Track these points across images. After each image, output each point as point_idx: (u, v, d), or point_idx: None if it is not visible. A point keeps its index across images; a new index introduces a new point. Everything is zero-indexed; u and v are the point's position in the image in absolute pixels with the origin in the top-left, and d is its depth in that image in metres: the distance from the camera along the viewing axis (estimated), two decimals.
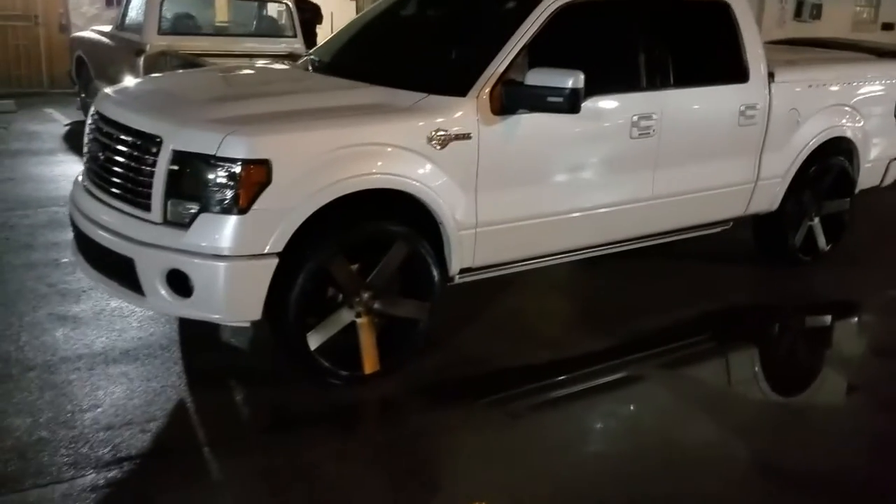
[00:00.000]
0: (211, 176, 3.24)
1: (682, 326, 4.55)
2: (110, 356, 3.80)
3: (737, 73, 4.76)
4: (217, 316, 3.38)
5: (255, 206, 3.23)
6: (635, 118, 4.28)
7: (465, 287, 4.06)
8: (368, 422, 3.41)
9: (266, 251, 3.27)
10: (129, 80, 4.39)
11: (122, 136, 3.51)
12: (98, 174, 3.67)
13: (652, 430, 3.51)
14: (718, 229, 5.09)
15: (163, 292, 3.34)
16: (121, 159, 3.51)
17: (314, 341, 3.51)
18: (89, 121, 3.88)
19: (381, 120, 3.56)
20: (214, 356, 3.94)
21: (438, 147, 3.62)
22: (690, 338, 4.46)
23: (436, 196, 3.63)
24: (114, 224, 3.46)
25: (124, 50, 7.96)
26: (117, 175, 3.52)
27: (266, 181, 3.24)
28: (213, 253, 3.23)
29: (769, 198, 5.16)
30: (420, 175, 3.58)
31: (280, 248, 3.29)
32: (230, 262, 3.24)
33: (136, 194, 3.41)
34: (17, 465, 2.97)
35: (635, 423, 3.62)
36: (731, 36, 4.75)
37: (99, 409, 3.36)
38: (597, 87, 4.04)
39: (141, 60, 7.54)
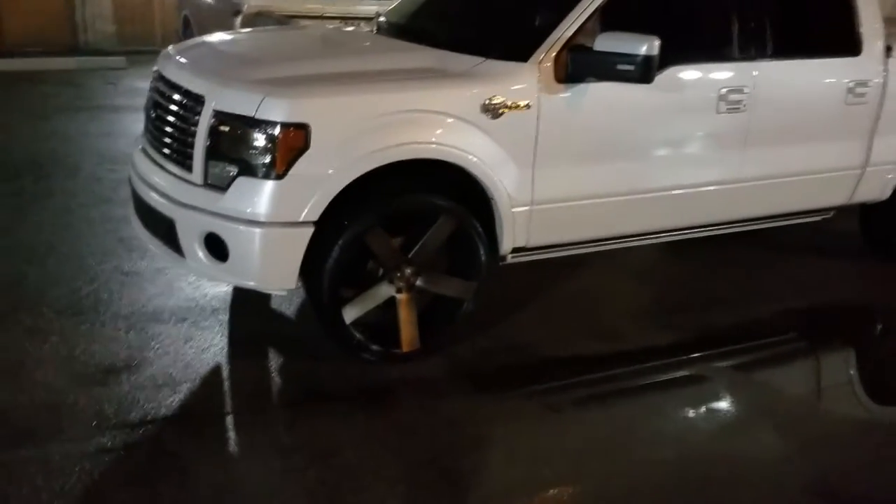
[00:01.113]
0: (249, 138, 3.13)
1: (762, 324, 4.15)
2: (161, 315, 3.81)
3: (847, 45, 4.25)
4: (251, 283, 3.30)
5: (291, 172, 3.11)
6: (724, 91, 3.89)
7: (521, 267, 3.83)
8: (398, 404, 3.25)
9: (301, 219, 3.15)
10: (192, 40, 4.33)
11: (173, 95, 3.46)
12: (152, 133, 3.64)
13: (702, 440, 3.21)
14: (817, 218, 4.62)
15: (201, 255, 3.28)
16: (170, 118, 3.46)
17: (350, 314, 3.38)
18: (151, 79, 3.87)
19: (430, 85, 3.35)
20: (261, 323, 3.88)
21: (493, 117, 3.38)
22: (770, 337, 4.06)
23: (487, 169, 3.40)
24: (160, 184, 3.43)
25: (223, 10, 8.03)
26: (166, 134, 3.48)
27: (304, 146, 3.11)
28: (248, 218, 3.14)
29: (880, 186, 4.63)
30: (471, 146, 3.35)
31: (315, 217, 3.16)
32: (265, 229, 3.14)
33: (181, 154, 3.36)
34: (43, 419, 3.00)
35: (685, 429, 3.31)
36: (843, 2, 4.23)
37: (136, 368, 3.37)
38: (679, 55, 3.71)
39: (238, 20, 7.58)
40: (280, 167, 3.11)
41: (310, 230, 3.18)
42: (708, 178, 4.05)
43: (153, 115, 3.62)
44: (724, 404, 3.48)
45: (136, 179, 3.63)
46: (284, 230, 3.16)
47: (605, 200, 3.79)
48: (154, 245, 3.55)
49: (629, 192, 3.84)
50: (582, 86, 3.53)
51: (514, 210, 3.55)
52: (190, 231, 3.29)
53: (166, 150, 3.47)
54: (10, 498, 2.61)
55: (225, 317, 3.85)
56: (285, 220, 3.15)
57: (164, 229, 3.41)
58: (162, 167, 3.47)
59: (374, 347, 3.46)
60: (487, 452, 3.06)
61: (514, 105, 3.41)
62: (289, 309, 4.02)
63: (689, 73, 3.83)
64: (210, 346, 3.57)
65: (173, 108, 3.45)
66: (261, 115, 3.11)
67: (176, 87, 3.47)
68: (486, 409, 3.26)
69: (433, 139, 3.28)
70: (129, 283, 4.12)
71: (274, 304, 4.04)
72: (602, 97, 3.59)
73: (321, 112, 3.14)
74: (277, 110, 3.10)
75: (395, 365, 3.49)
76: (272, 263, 3.22)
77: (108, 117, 7.61)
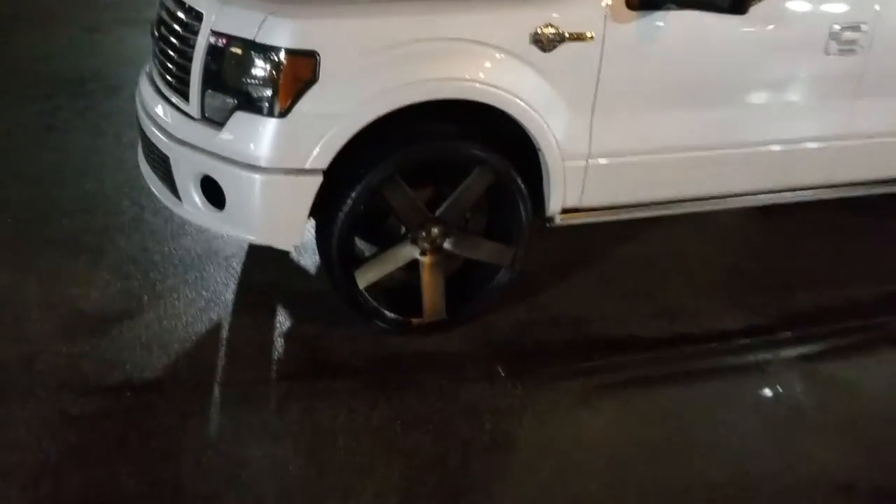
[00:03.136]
0: (248, 66, 2.65)
1: (852, 308, 3.50)
2: (170, 261, 3.42)
3: None
4: (251, 236, 2.87)
5: (296, 109, 2.62)
6: (836, 28, 3.17)
7: (572, 228, 3.28)
8: (412, 385, 2.79)
9: (308, 166, 2.67)
10: None
11: (177, 12, 2.99)
12: (156, 56, 3.20)
13: (751, 444, 2.68)
14: None
15: (196, 199, 2.86)
16: (172, 39, 3.00)
17: (365, 277, 2.93)
18: None
19: (466, 7, 2.76)
20: (277, 275, 3.44)
21: (545, 49, 2.79)
22: (858, 324, 3.42)
23: (535, 114, 2.83)
24: (159, 116, 2.99)
25: None
26: (168, 58, 3.02)
27: (311, 78, 2.60)
28: (245, 161, 2.69)
29: None
30: (516, 85, 2.78)
31: (324, 165, 2.68)
32: (265, 175, 2.68)
33: (180, 82, 2.90)
34: (13, 375, 2.68)
35: (736, 431, 2.75)
36: None
37: (129, 322, 3.01)
38: None
39: None
40: (283, 103, 2.62)
41: (317, 179, 2.70)
42: (808, 133, 3.36)
43: (157, 34, 3.16)
44: (786, 403, 2.90)
45: (139, 109, 3.21)
46: (287, 178, 2.69)
47: (679, 155, 3.17)
48: (154, 186, 3.14)
49: (710, 147, 3.21)
50: (659, 14, 2.88)
51: (566, 163, 2.98)
52: (185, 171, 2.86)
53: (168, 77, 3.02)
54: None
55: (238, 266, 3.45)
56: (288, 167, 2.68)
57: (162, 168, 3.00)
58: (163, 96, 3.03)
59: (391, 315, 3.00)
60: (507, 455, 2.60)
61: (572, 35, 2.81)
62: (311, 260, 3.58)
63: (794, 4, 3.12)
64: (214, 302, 3.18)
65: (175, 26, 2.97)
66: (262, 39, 2.61)
67: (179, 2, 2.99)
68: (514, 398, 2.78)
69: (468, 75, 2.72)
70: (144, 221, 3.74)
71: (294, 254, 3.62)
72: (683, 29, 2.94)
73: (332, 36, 2.62)
74: (281, 33, 2.59)
75: (415, 336, 3.04)
76: (273, 215, 2.78)
77: None
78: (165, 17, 3.09)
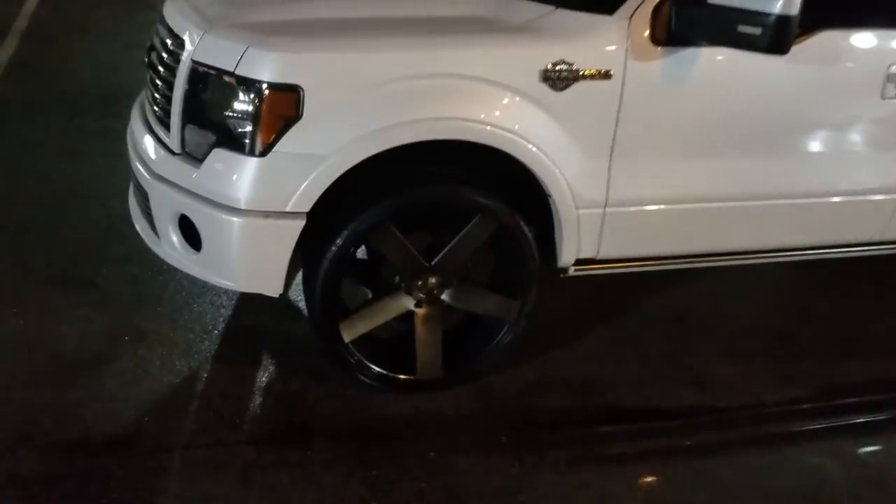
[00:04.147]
0: (228, 99, 2.44)
1: None
2: (157, 299, 3.22)
3: None
4: (228, 282, 2.64)
5: (277, 148, 2.40)
6: (894, 69, 2.81)
7: (589, 279, 2.97)
8: (396, 455, 2.51)
9: (289, 209, 2.44)
10: None
11: (165, 38, 2.80)
12: (148, 84, 3.02)
13: None
14: None
15: (174, 239, 2.66)
16: (159, 67, 2.81)
17: (353, 329, 2.67)
18: None
19: (472, 41, 2.49)
20: (267, 317, 3.14)
21: (557, 88, 2.51)
22: None
23: (544, 157, 2.55)
24: (142, 148, 2.80)
25: None
26: (155, 87, 2.84)
27: (294, 115, 2.38)
28: (221, 202, 2.47)
29: None
30: (521, 125, 2.50)
31: (307, 207, 2.44)
32: (242, 218, 2.45)
33: (165, 113, 2.71)
34: None
35: None
36: None
37: (102, 368, 2.81)
38: (832, 15, 2.67)
39: None
40: (263, 140, 2.40)
41: (299, 223, 2.46)
42: (860, 185, 3.01)
43: (147, 61, 2.97)
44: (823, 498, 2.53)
45: (128, 140, 3.03)
46: (267, 221, 2.46)
47: (707, 206, 2.85)
48: (138, 223, 2.95)
49: (742, 197, 2.88)
50: (687, 51, 2.58)
51: (580, 212, 2.69)
52: (163, 209, 2.66)
53: (155, 107, 2.83)
54: None
55: (230, 305, 3.22)
56: (268, 209, 2.45)
57: (142, 203, 2.81)
58: (150, 128, 2.84)
59: (377, 369, 2.74)
60: None
61: (589, 73, 2.52)
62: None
63: (845, 42, 2.77)
64: (196, 347, 2.96)
65: (163, 53, 2.79)
66: (242, 72, 2.39)
67: (167, 28, 2.80)
68: (509, 478, 2.47)
69: (467, 115, 2.46)
70: (143, 253, 3.48)
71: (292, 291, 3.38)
72: (715, 68, 2.63)
73: (318, 71, 2.39)
74: (262, 66, 2.37)
75: (405, 394, 2.77)
76: (251, 261, 2.55)
77: None
78: (157, 42, 2.91)
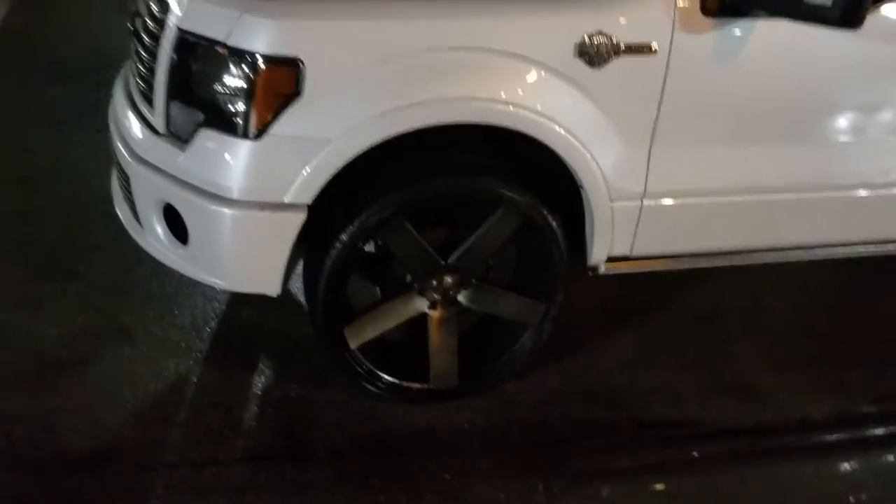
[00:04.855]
0: (217, 73, 2.13)
1: None
2: (144, 292, 2.93)
3: None
4: (218, 280, 2.35)
5: (273, 130, 2.09)
6: None
7: (620, 277, 2.68)
8: (404, 479, 2.23)
9: (287, 200, 2.14)
10: None
11: (149, 2, 2.48)
12: (132, 55, 2.71)
13: None
14: None
15: (158, 230, 2.37)
16: (142, 35, 2.49)
17: (360, 335, 2.39)
18: None
19: (492, 10, 2.17)
20: (266, 314, 2.84)
21: (594, 64, 2.19)
22: None
23: (576, 143, 2.25)
24: (124, 126, 2.50)
25: None
26: (138, 58, 2.53)
27: (293, 92, 2.07)
28: (210, 190, 2.18)
29: None
30: (552, 106, 2.19)
31: (308, 199, 2.15)
32: (234, 210, 2.16)
33: (148, 87, 2.40)
34: None
35: None
36: None
37: (80, 372, 2.54)
38: None
39: None
40: (258, 121, 2.10)
41: (300, 216, 2.17)
42: None
43: (131, 28, 2.66)
44: None
45: (110, 116, 2.73)
46: (263, 214, 2.17)
47: (759, 198, 2.55)
48: (119, 208, 2.65)
49: (796, 189, 2.57)
50: (743, 23, 2.26)
51: (615, 204, 2.39)
52: (146, 195, 2.37)
53: (138, 81, 2.52)
54: None
55: (225, 298, 2.93)
56: (264, 200, 2.16)
57: (125, 188, 2.52)
58: (133, 104, 2.54)
59: (388, 379, 2.46)
60: None
61: (630, 47, 2.20)
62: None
63: None
64: (186, 347, 2.68)
65: (146, 19, 2.47)
66: (234, 42, 2.08)
67: None
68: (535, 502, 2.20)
69: (490, 95, 2.15)
70: (128, 239, 3.27)
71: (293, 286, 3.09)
72: (773, 43, 2.31)
73: (322, 42, 2.07)
74: (257, 36, 2.06)
75: (417, 405, 2.49)
76: (244, 258, 2.26)
77: None
78: (141, 7, 2.59)
